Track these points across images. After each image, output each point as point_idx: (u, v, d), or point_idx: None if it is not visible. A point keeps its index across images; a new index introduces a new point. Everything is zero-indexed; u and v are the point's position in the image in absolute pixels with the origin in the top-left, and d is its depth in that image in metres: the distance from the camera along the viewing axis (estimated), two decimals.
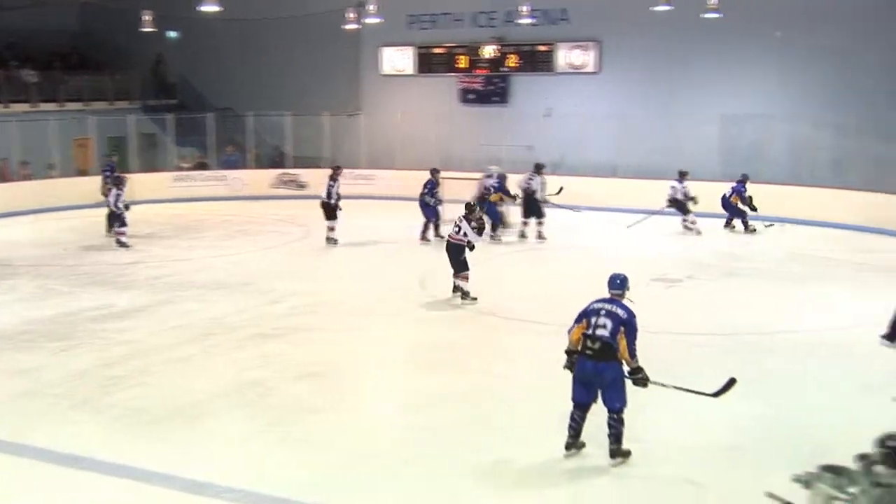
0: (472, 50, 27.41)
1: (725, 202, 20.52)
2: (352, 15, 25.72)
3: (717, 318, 13.18)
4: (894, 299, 13.89)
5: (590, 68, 26.03)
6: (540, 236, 19.73)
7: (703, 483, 7.75)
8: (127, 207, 19.17)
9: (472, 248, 14.15)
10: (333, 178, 19.51)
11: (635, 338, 7.94)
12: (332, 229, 19.32)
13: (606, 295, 8.19)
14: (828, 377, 10.27)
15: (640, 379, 8.01)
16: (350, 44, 28.30)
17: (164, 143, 28.33)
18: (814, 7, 22.31)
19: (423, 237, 19.37)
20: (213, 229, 21.55)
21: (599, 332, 7.88)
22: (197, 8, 20.49)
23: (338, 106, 28.23)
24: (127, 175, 21.37)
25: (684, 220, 20.59)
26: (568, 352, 8.16)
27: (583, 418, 8.11)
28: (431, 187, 19.51)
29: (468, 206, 14.70)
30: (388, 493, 7.64)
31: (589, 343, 7.92)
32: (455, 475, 7.94)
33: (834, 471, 4.47)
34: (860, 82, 22.00)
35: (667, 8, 21.74)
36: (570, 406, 8.15)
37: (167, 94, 31.51)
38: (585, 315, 8.07)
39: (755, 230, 20.26)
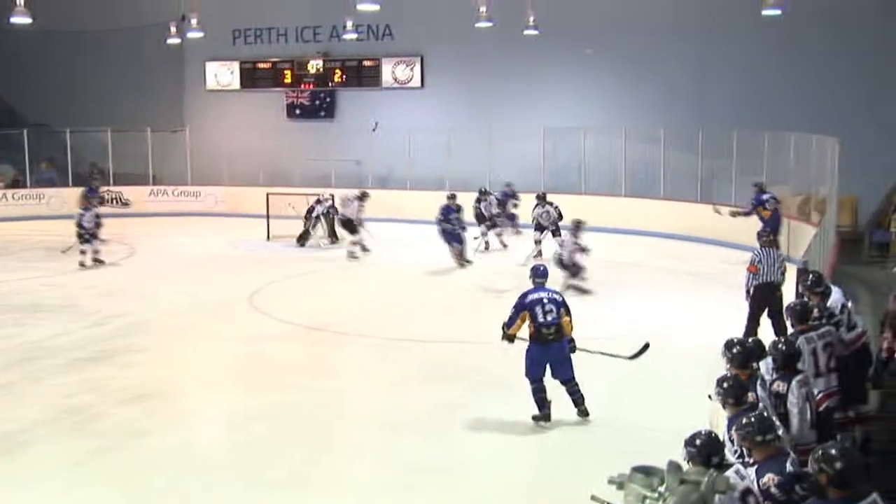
0: (298, 65, 27.37)
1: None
2: (174, 29, 25.24)
3: None
4: (706, 302, 14.71)
5: (414, 83, 26.37)
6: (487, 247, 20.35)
7: (527, 486, 8.02)
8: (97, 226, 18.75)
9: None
10: (361, 200, 19.65)
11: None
12: (355, 244, 19.14)
13: (530, 286, 9.34)
14: (648, 377, 10.75)
15: (573, 347, 9.27)
16: (173, 58, 27.78)
17: None
18: (624, 23, 23.27)
19: (461, 261, 18.34)
20: (29, 250, 20.70)
21: (550, 317, 9.03)
22: (7, 19, 19.58)
23: (162, 122, 27.55)
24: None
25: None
26: (510, 336, 9.32)
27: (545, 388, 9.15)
28: (447, 213, 18.63)
29: (577, 222, 15.80)
30: None
31: (545, 330, 9.03)
32: (281, 490, 7.94)
33: (644, 471, 4.72)
34: (669, 95, 23.10)
35: (488, 24, 22.05)
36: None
37: None
38: (525, 307, 9.14)
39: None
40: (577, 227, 15.95)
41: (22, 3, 18.47)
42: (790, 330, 7.75)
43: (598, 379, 9.50)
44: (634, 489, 4.68)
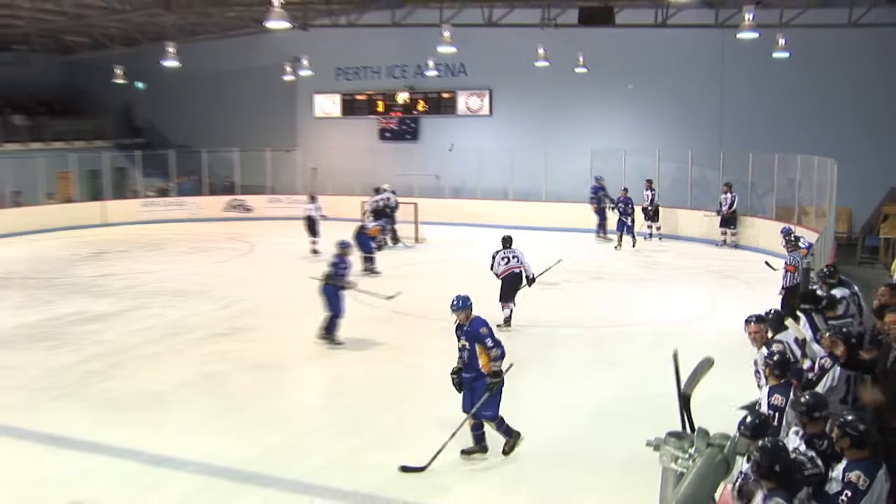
0: (389, 97, 27.41)
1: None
2: (289, 68, 25.80)
3: (583, 313, 13.34)
4: (718, 296, 14.32)
5: (484, 112, 26.26)
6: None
7: (576, 450, 7.89)
8: None
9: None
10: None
11: (489, 345, 7.34)
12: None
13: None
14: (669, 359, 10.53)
15: (497, 382, 7.39)
16: (288, 92, 28.05)
17: (134, 175, 27.73)
18: (658, 63, 22.85)
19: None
20: (174, 246, 21.10)
21: (463, 353, 7.49)
22: (161, 63, 20.20)
23: (278, 143, 27.94)
24: None
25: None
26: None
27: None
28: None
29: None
30: (317, 462, 7.60)
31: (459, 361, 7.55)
32: (378, 445, 7.94)
33: (677, 436, 4.60)
34: (695, 124, 22.65)
35: (545, 64, 22.31)
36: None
37: (136, 134, 30.94)
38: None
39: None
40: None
41: (173, 51, 19.61)
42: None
43: (629, 362, 9.25)
44: (668, 450, 4.57)
